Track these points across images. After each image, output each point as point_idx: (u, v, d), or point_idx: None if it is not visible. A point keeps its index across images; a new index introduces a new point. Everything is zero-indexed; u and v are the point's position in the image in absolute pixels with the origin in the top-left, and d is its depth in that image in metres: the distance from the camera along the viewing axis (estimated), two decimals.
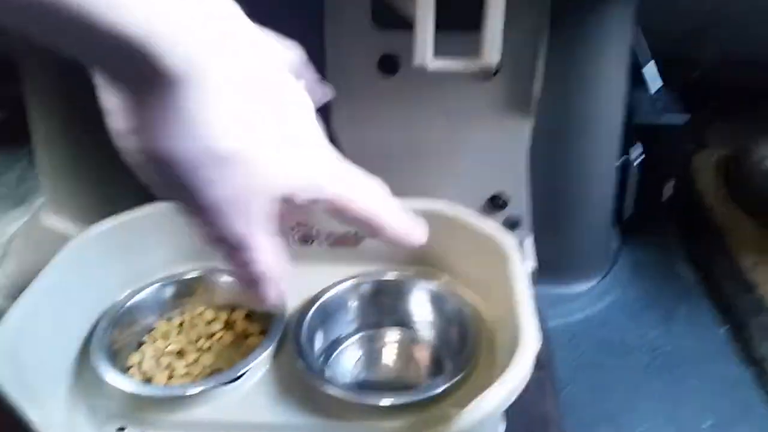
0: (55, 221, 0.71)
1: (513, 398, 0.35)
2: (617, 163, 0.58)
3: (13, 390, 0.36)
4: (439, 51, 0.37)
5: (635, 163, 0.58)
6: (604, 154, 0.56)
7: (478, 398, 0.33)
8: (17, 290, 0.63)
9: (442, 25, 0.36)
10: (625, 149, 0.58)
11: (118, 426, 0.41)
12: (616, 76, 0.52)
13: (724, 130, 0.79)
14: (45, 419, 0.36)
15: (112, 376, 0.41)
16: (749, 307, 0.57)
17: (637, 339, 0.55)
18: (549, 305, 0.56)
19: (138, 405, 0.41)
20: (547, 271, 0.57)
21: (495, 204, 0.53)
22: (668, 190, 0.61)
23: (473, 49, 0.37)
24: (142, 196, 0.58)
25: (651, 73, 0.58)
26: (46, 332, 0.42)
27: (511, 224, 0.54)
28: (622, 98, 0.54)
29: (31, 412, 0.36)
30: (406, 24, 0.41)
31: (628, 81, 0.54)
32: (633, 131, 0.57)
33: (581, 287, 0.59)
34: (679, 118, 0.57)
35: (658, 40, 0.58)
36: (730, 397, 0.50)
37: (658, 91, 0.59)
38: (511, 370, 0.34)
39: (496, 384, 0.34)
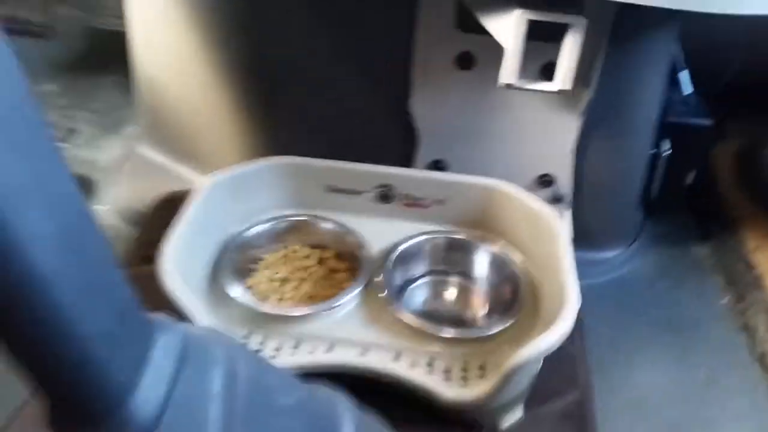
0: (151, 153, 0.81)
1: (559, 343, 0.46)
2: (649, 154, 0.68)
3: (177, 292, 0.47)
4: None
5: (663, 155, 0.68)
6: (638, 146, 0.65)
7: (536, 340, 0.44)
8: (130, 213, 0.75)
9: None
10: (657, 143, 0.68)
11: (244, 333, 0.53)
12: (655, 83, 0.61)
13: (746, 124, 0.87)
14: (197, 317, 0.47)
15: (236, 293, 0.53)
16: (749, 282, 0.67)
17: (651, 302, 0.65)
18: (579, 267, 0.67)
19: (256, 318, 0.53)
20: (583, 238, 0.68)
21: (543, 182, 0.64)
22: (690, 178, 0.71)
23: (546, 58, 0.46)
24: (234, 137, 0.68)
25: (685, 79, 0.67)
26: (191, 253, 0.53)
27: (556, 199, 0.65)
28: (659, 102, 0.63)
29: (189, 311, 0.47)
30: (485, 29, 0.50)
31: (665, 87, 0.63)
32: (664, 128, 0.67)
33: (608, 254, 0.70)
34: (705, 120, 0.66)
35: (693, 50, 0.67)
36: (724, 356, 0.60)
37: (690, 95, 0.68)
38: (559, 322, 0.45)
39: (548, 331, 0.45)
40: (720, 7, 0.42)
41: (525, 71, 0.48)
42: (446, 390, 0.46)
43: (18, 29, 1.00)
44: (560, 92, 0.46)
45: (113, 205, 0.77)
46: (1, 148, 0.16)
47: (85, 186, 0.81)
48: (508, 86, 0.47)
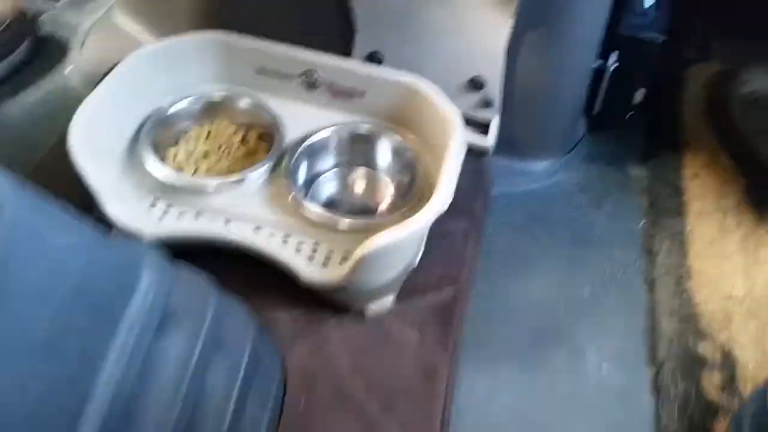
0: (124, 22, 0.83)
1: (410, 236, 0.48)
2: (593, 66, 0.66)
3: (82, 159, 0.51)
4: None
5: (610, 69, 0.66)
6: (576, 58, 0.63)
7: (379, 235, 0.47)
8: (93, 78, 0.78)
9: None
10: (605, 54, 0.66)
11: (153, 198, 0.57)
12: None
13: (736, 47, 0.82)
14: (100, 184, 0.51)
15: (151, 163, 0.57)
16: (670, 208, 0.67)
17: (563, 216, 0.65)
18: (501, 175, 0.67)
19: (169, 188, 0.56)
20: (511, 147, 0.68)
21: (474, 84, 0.63)
22: (639, 96, 0.69)
23: None
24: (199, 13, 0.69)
25: None
26: (109, 122, 0.57)
27: (485, 103, 0.65)
28: (602, 13, 0.61)
29: (90, 177, 0.51)
30: None
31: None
32: (613, 41, 0.64)
33: (535, 166, 0.70)
34: (656, 36, 0.63)
35: None
36: (616, 277, 0.61)
37: (651, 7, 0.64)
38: (417, 217, 0.48)
39: (395, 228, 0.47)
40: None
41: None
42: (308, 271, 0.50)
43: None
44: None
45: (79, 67, 0.80)
46: None
47: (60, 48, 0.84)
48: None
